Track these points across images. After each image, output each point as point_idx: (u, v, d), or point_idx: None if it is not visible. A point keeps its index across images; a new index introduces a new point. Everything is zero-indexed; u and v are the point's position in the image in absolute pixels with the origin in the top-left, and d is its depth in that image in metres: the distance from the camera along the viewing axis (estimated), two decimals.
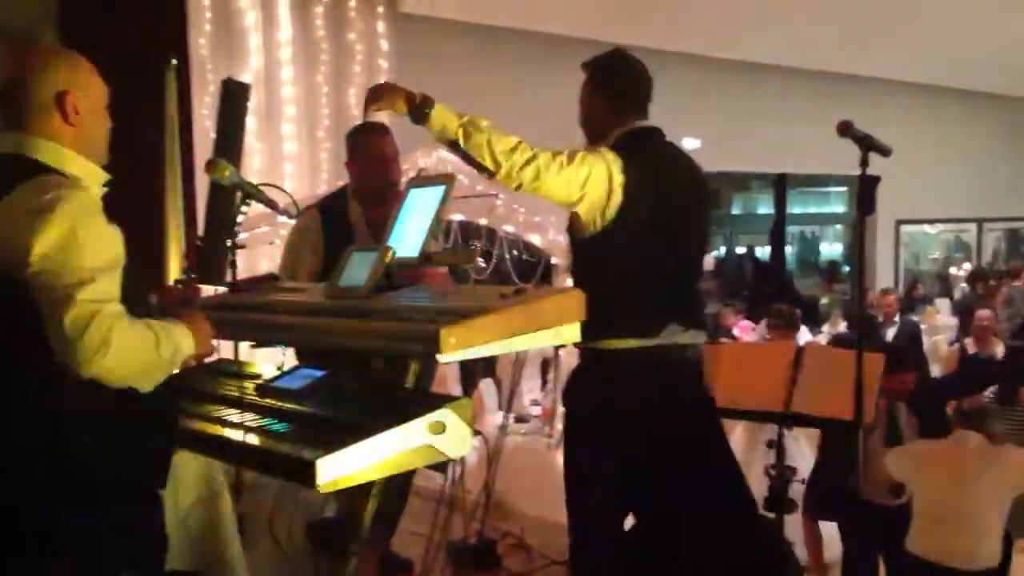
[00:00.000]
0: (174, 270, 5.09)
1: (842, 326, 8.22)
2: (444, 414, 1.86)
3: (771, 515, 3.53)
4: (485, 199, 5.10)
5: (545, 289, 3.79)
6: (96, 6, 5.04)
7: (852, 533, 4.09)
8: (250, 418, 2.09)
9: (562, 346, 4.67)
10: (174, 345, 1.86)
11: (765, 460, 3.74)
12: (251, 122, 5.28)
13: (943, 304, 10.51)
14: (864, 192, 2.76)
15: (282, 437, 1.94)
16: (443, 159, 4.79)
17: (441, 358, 1.82)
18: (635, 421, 2.69)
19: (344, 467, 1.73)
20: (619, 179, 2.64)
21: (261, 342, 2.66)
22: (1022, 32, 8.49)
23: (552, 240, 5.26)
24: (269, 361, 3.07)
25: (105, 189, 1.97)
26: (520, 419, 5.90)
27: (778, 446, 3.57)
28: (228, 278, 3.16)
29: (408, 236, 2.42)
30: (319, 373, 2.27)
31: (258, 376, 2.46)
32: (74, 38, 4.81)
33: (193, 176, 5.30)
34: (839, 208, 13.59)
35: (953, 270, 12.26)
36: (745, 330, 8.40)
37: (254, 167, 5.75)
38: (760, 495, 3.52)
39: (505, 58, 7.70)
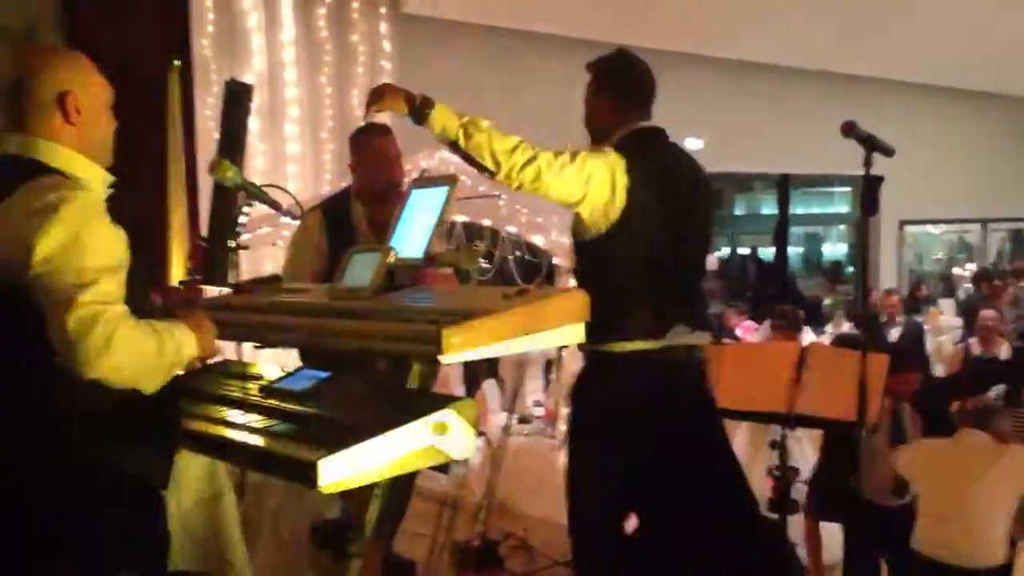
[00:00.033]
0: (177, 271, 5.09)
1: (845, 326, 8.21)
2: (447, 415, 1.86)
3: (775, 516, 3.53)
4: (488, 200, 5.10)
5: (548, 290, 3.78)
6: (99, 7, 5.05)
7: (854, 534, 4.09)
8: (253, 419, 2.09)
9: (565, 347, 4.67)
10: (177, 346, 1.86)
11: (769, 461, 3.74)
12: (254, 123, 5.29)
13: (947, 305, 10.49)
14: (868, 192, 2.75)
15: (285, 438, 1.94)
16: (446, 160, 4.79)
17: (444, 359, 1.82)
18: (641, 423, 2.68)
19: (347, 468, 1.72)
20: (622, 180, 2.64)
21: (264, 343, 2.66)
22: (1021, 32, 8.47)
23: (555, 241, 5.25)
24: (272, 362, 3.07)
25: (110, 190, 1.97)
26: (523, 420, 5.90)
27: (781, 447, 3.57)
28: (231, 279, 3.16)
29: (411, 237, 2.42)
30: (322, 374, 2.27)
31: (261, 377, 2.46)
32: (77, 39, 4.82)
33: (196, 177, 5.30)
34: (843, 208, 13.58)
35: (957, 270, 12.23)
36: (748, 331, 8.38)
37: (257, 168, 5.75)
38: (764, 496, 3.52)
39: (507, 59, 7.69)
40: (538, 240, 5.42)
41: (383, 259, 2.28)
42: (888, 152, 2.69)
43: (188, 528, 2.84)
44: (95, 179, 1.93)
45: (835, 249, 14.67)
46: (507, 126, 2.63)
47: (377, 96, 2.64)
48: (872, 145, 2.68)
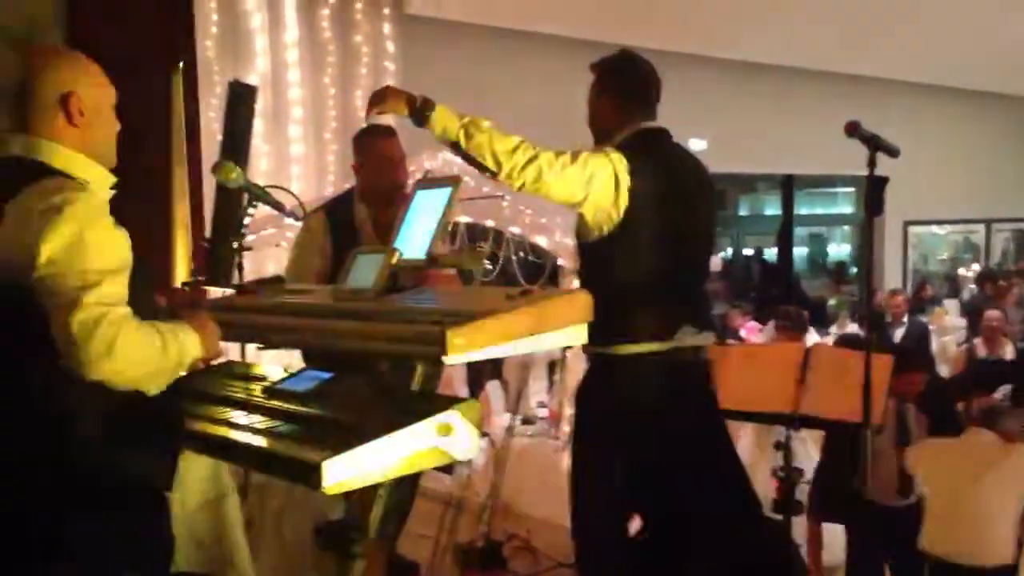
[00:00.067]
0: (181, 272, 5.09)
1: (849, 327, 8.20)
2: (451, 416, 1.86)
3: (779, 517, 3.52)
4: (492, 201, 5.10)
5: (552, 291, 3.78)
6: (101, 7, 5.04)
7: (857, 535, 4.08)
8: (257, 420, 2.09)
9: (569, 348, 4.66)
10: (181, 348, 1.86)
11: (773, 462, 3.73)
12: (258, 124, 5.27)
13: (952, 305, 10.47)
14: (872, 193, 2.74)
15: (289, 439, 1.94)
16: (449, 161, 4.79)
17: (448, 360, 1.82)
18: (648, 425, 2.68)
19: (351, 469, 1.72)
20: (626, 180, 2.63)
21: (268, 344, 2.66)
22: (1022, 32, 8.47)
23: (559, 242, 5.25)
24: (276, 363, 3.07)
25: (112, 192, 1.97)
26: (527, 421, 5.90)
27: (785, 448, 3.56)
28: (235, 280, 3.16)
29: (414, 238, 2.42)
30: (326, 375, 2.27)
31: (265, 378, 2.46)
32: (80, 40, 4.81)
33: (200, 178, 5.30)
34: (847, 209, 13.56)
35: (962, 271, 12.20)
36: (752, 331, 8.37)
37: (261, 169, 5.75)
38: (768, 497, 3.52)
39: (510, 59, 7.69)
40: (542, 241, 5.42)
41: (387, 260, 2.28)
42: (892, 152, 2.68)
43: (192, 530, 2.84)
44: (98, 180, 1.93)
45: (839, 250, 14.65)
46: (510, 126, 2.63)
47: (379, 99, 2.65)
48: (876, 145, 2.67)
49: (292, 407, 2.12)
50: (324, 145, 6.27)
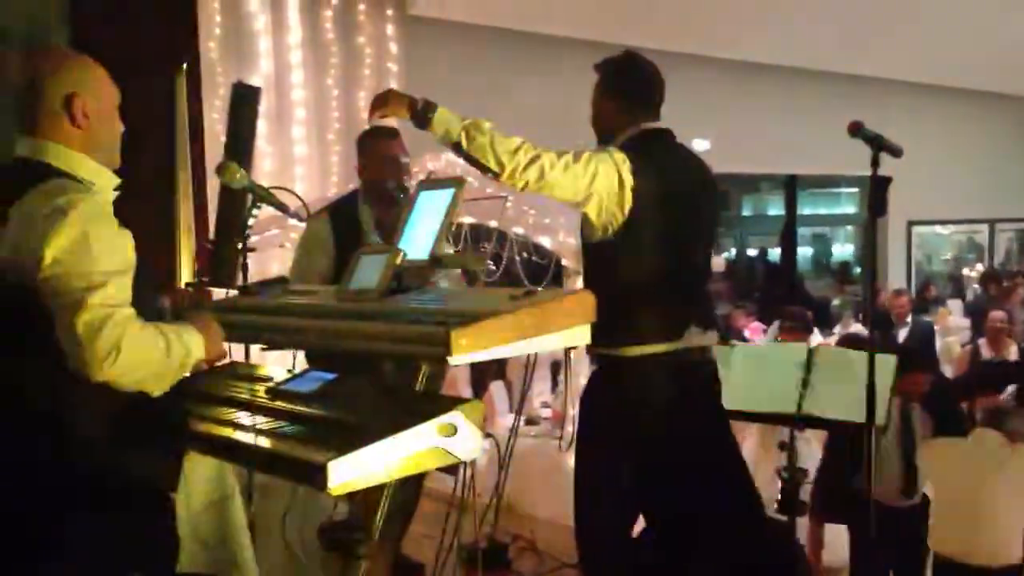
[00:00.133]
0: (185, 273, 5.10)
1: (853, 327, 8.20)
2: (455, 416, 1.86)
3: (784, 518, 3.52)
4: (495, 201, 5.10)
5: (555, 291, 3.78)
6: (106, 10, 5.05)
7: (861, 535, 4.08)
8: (261, 421, 2.09)
9: (573, 348, 4.66)
10: (185, 349, 1.86)
11: (777, 462, 3.73)
12: (261, 125, 5.27)
13: (955, 305, 10.46)
14: (876, 193, 2.74)
15: (293, 440, 1.94)
16: (452, 162, 4.79)
17: (452, 360, 1.82)
18: (656, 426, 2.68)
19: (355, 470, 1.72)
20: (629, 180, 2.63)
21: (272, 345, 2.66)
22: (1023, 32, 8.46)
23: (562, 242, 5.24)
24: (280, 364, 3.07)
25: (116, 193, 1.98)
26: (530, 421, 5.89)
27: (790, 448, 3.56)
28: (239, 281, 3.16)
29: (418, 238, 2.42)
30: (330, 376, 2.27)
31: (269, 379, 2.47)
32: (83, 41, 4.82)
33: (204, 179, 5.30)
34: (850, 209, 13.54)
35: (966, 271, 12.20)
36: (756, 332, 8.37)
37: (264, 170, 5.75)
38: (773, 497, 3.51)
39: (513, 60, 7.69)
40: (545, 242, 5.41)
41: (390, 261, 2.28)
42: (896, 152, 2.68)
43: (197, 531, 2.84)
44: (102, 181, 1.93)
45: (843, 250, 14.64)
46: (513, 127, 2.63)
47: (381, 102, 2.68)
48: (879, 145, 2.66)
49: (296, 408, 2.12)
50: (327, 146, 6.27)
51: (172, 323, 1.91)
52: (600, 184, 2.62)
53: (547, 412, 6.09)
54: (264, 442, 1.96)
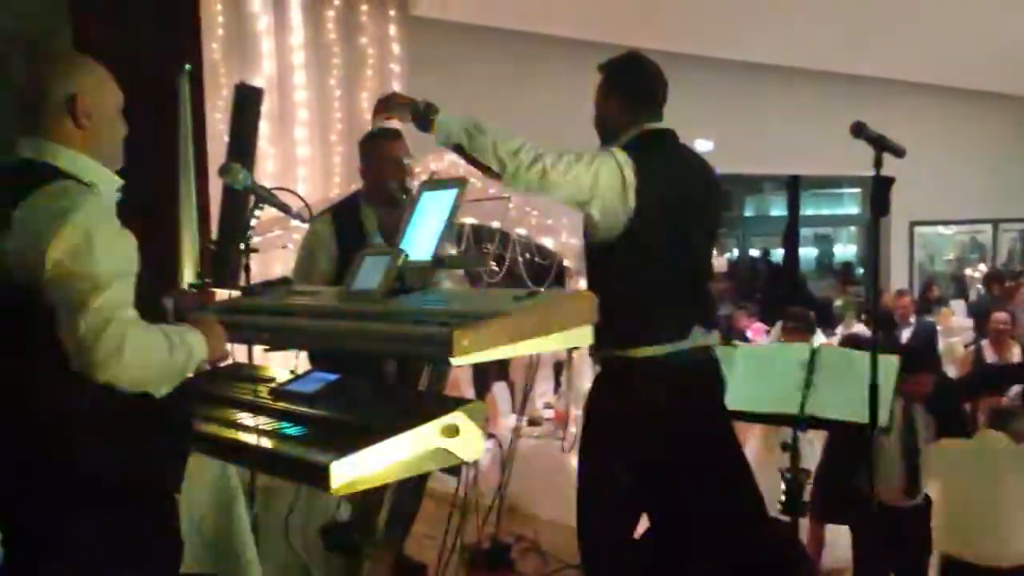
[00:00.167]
0: (188, 274, 5.10)
1: (856, 328, 8.19)
2: (457, 417, 1.86)
3: (787, 518, 3.52)
4: (498, 202, 5.10)
5: (558, 292, 3.78)
6: (108, 11, 5.05)
7: (864, 536, 4.07)
8: (264, 422, 2.10)
9: (575, 349, 4.66)
10: (188, 350, 1.87)
11: (780, 463, 3.73)
12: (264, 126, 5.28)
13: (958, 306, 10.45)
14: (878, 193, 2.74)
15: (296, 440, 1.95)
16: (455, 163, 4.79)
17: (455, 361, 1.82)
18: (662, 427, 2.67)
19: (358, 470, 1.73)
20: (632, 181, 2.63)
21: (274, 346, 2.67)
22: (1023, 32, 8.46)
23: (565, 243, 5.24)
24: (283, 365, 3.07)
25: (119, 194, 1.98)
26: (533, 422, 5.89)
27: (792, 449, 3.56)
28: (241, 282, 3.17)
29: (421, 239, 2.42)
30: (332, 376, 2.27)
31: (272, 380, 2.47)
32: (86, 42, 4.82)
33: (207, 180, 5.31)
34: (853, 210, 13.54)
35: (968, 271, 12.18)
36: (759, 332, 8.36)
37: (267, 171, 5.75)
38: (776, 498, 3.51)
39: (516, 61, 7.69)
40: (548, 242, 5.41)
41: (393, 262, 2.28)
42: (898, 152, 2.68)
43: (200, 531, 2.85)
44: (105, 183, 1.93)
45: (845, 250, 14.63)
46: (515, 128, 2.64)
47: (383, 105, 2.70)
48: (882, 145, 2.66)
49: (299, 409, 2.12)
50: (330, 147, 6.28)
51: (175, 324, 1.91)
52: (603, 185, 2.62)
53: (550, 413, 6.09)
54: (267, 443, 1.96)
